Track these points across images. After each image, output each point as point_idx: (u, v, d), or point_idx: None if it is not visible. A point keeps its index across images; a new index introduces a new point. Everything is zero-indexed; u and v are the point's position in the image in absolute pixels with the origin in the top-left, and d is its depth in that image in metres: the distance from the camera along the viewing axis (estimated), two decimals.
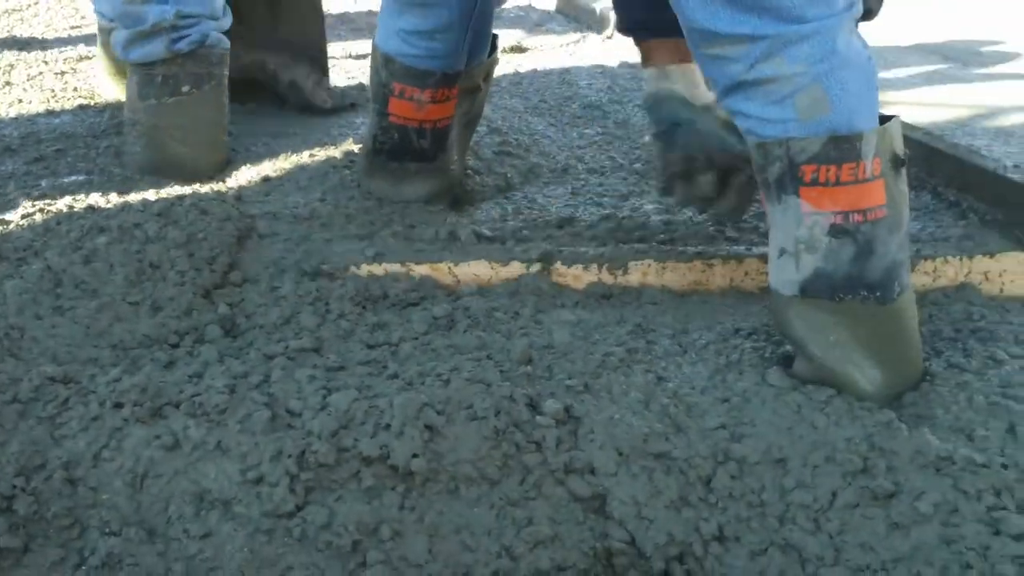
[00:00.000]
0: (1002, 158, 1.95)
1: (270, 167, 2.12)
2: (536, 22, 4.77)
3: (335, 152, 2.20)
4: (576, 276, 1.65)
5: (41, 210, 1.69)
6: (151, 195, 1.79)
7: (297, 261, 1.64)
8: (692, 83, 1.79)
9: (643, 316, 1.56)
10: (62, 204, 1.72)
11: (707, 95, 1.76)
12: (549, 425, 1.23)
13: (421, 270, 1.64)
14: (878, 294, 1.32)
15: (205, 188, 1.94)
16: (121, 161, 2.12)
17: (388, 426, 1.19)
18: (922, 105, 2.70)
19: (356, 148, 2.18)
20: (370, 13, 4.48)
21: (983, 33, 3.85)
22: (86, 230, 1.59)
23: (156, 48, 2.06)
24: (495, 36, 2.04)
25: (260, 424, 1.20)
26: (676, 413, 1.27)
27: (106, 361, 1.39)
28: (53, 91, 2.70)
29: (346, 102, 2.73)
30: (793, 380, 1.34)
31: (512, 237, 1.80)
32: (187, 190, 1.88)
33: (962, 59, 3.42)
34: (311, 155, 2.19)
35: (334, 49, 3.39)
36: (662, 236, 1.83)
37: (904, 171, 1.34)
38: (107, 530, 1.12)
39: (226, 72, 2.16)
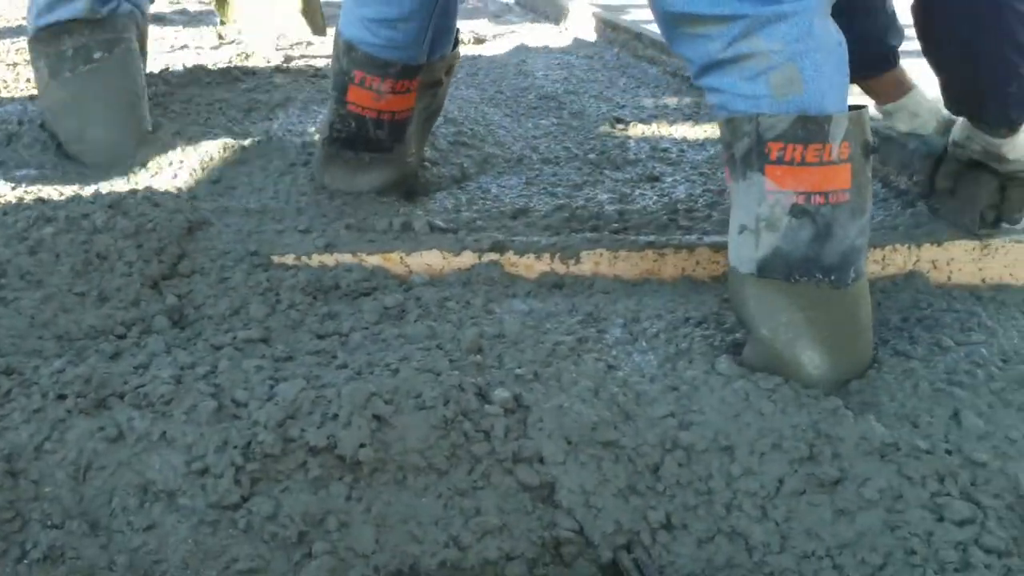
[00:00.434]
0: None
1: (220, 158, 2.10)
2: (494, 13, 4.76)
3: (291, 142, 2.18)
4: (528, 265, 1.65)
5: None
6: (104, 188, 1.77)
7: (248, 252, 1.62)
8: (912, 115, 1.85)
9: (595, 305, 1.56)
10: (11, 195, 1.69)
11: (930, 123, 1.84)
12: (498, 414, 1.23)
13: (373, 260, 1.63)
14: (833, 278, 1.33)
15: (159, 182, 1.92)
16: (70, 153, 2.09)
17: (335, 416, 1.18)
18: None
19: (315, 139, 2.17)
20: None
21: None
22: (32, 220, 1.56)
23: (78, 6, 2.05)
24: (457, 31, 2.04)
25: (206, 415, 1.18)
26: (625, 402, 1.27)
27: (50, 352, 1.36)
28: (5, 82, 2.66)
29: None
30: (742, 368, 1.35)
31: (466, 227, 1.80)
32: (140, 184, 1.86)
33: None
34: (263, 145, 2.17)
35: None
36: (615, 225, 1.83)
37: (871, 159, 1.36)
38: (49, 523, 1.10)
39: (135, 37, 2.15)
